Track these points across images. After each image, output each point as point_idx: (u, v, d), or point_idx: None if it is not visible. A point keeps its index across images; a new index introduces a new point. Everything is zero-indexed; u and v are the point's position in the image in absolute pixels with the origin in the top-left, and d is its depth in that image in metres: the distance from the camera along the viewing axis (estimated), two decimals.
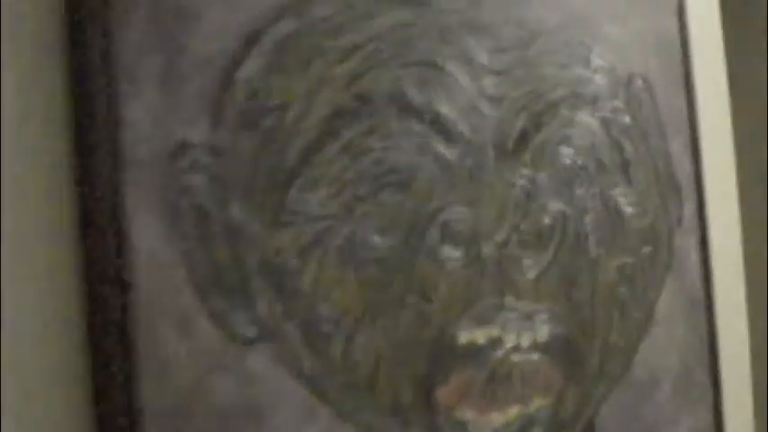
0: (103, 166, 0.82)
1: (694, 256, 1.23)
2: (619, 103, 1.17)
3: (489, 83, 1.04)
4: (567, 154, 1.10)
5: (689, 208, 1.23)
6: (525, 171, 1.06)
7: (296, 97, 0.91)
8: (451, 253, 0.99)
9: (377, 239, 0.95)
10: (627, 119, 1.17)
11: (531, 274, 1.05)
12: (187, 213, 0.85)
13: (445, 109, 1.00)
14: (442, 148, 1.00)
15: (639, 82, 1.19)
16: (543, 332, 1.06)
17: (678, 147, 1.22)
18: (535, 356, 1.05)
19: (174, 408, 0.83)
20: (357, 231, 0.93)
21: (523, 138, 1.06)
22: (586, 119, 1.13)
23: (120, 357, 0.81)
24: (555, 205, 1.08)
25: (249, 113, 0.89)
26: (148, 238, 0.82)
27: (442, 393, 0.98)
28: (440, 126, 1.00)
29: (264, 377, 0.87)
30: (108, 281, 0.81)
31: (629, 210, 1.15)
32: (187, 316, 0.84)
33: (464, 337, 1.00)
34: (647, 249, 1.17)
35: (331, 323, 0.92)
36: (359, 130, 0.94)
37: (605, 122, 1.14)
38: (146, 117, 0.83)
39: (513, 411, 1.03)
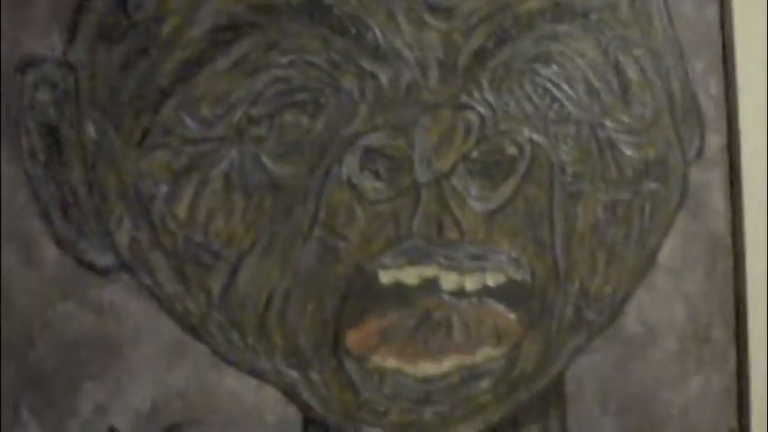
0: None
1: (719, 195, 1.06)
2: (621, 17, 1.01)
3: None
4: (543, 74, 0.97)
5: (714, 138, 1.06)
6: (482, 93, 0.93)
7: (173, 9, 0.83)
8: (373, 183, 0.89)
9: (272, 165, 0.86)
10: (631, 35, 1.01)
11: (484, 209, 0.93)
12: (33, 131, 0.79)
13: (375, 20, 0.89)
14: (367, 64, 0.89)
15: None
16: (497, 276, 0.94)
17: (702, 66, 1.05)
18: (484, 302, 0.93)
19: (15, 337, 0.78)
20: (247, 155, 0.85)
21: (481, 55, 0.93)
22: (574, 33, 0.98)
23: None
24: (523, 133, 0.95)
25: (112, 27, 0.82)
26: None
27: (354, 337, 0.89)
28: (366, 40, 0.89)
29: (124, 310, 0.82)
30: None
31: (624, 139, 1.00)
32: (31, 241, 0.79)
33: (387, 276, 0.90)
34: (649, 185, 1.01)
35: (209, 254, 0.84)
36: (255, 44, 0.85)
37: (599, 38, 0.99)
38: None
39: (452, 362, 0.93)
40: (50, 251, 0.79)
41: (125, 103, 0.82)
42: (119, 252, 0.82)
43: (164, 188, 0.83)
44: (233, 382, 0.85)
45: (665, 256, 1.03)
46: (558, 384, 0.98)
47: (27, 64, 0.79)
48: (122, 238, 0.82)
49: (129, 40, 0.82)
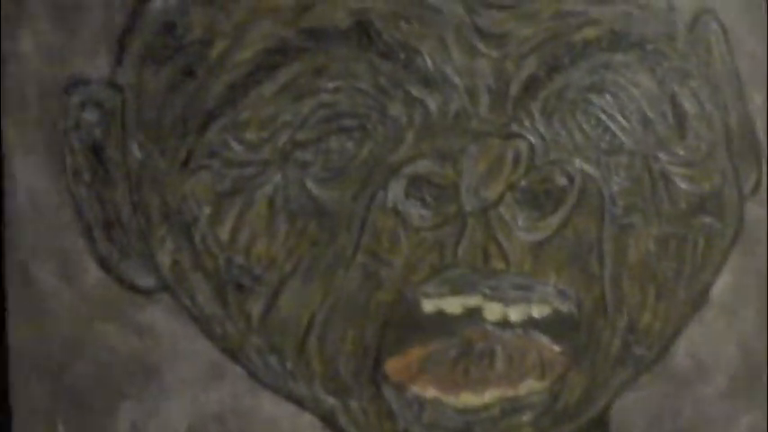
0: None
1: None
2: (679, 47, 0.99)
3: (488, 17, 0.91)
4: (596, 104, 0.95)
5: None
6: (533, 122, 0.92)
7: (222, 32, 0.83)
8: (418, 210, 0.88)
9: (317, 190, 0.85)
10: (689, 66, 0.99)
11: (531, 240, 0.92)
12: (78, 152, 0.80)
13: (425, 46, 0.89)
14: (415, 90, 0.88)
15: (710, 22, 1.00)
16: (542, 307, 0.92)
17: (761, 99, 1.03)
18: (528, 333, 0.92)
19: (53, 355, 0.79)
20: (292, 180, 0.85)
21: (532, 84, 0.92)
22: (629, 63, 0.96)
23: None
24: (574, 163, 0.94)
25: (160, 49, 0.82)
26: (30, 177, 0.78)
27: (394, 365, 0.88)
28: (416, 66, 0.88)
29: (163, 331, 0.82)
30: None
31: (678, 171, 0.98)
32: (72, 260, 0.80)
33: (429, 304, 0.89)
34: (703, 219, 0.99)
35: (250, 278, 0.84)
36: (303, 69, 0.85)
37: (655, 68, 0.98)
38: (36, 51, 0.78)
39: (493, 393, 0.91)
40: (92, 271, 0.80)
41: (170, 124, 0.82)
42: (160, 273, 0.82)
43: (207, 210, 0.83)
44: (270, 406, 0.85)
45: (717, 292, 1.01)
46: (604, 420, 0.97)
47: (74, 84, 0.80)
48: (164, 259, 0.82)
49: (177, 63, 0.82)
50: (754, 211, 1.02)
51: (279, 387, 0.85)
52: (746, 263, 1.02)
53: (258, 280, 0.84)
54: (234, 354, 0.84)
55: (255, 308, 0.84)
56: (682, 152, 0.98)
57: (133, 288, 0.82)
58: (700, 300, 1.00)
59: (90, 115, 0.80)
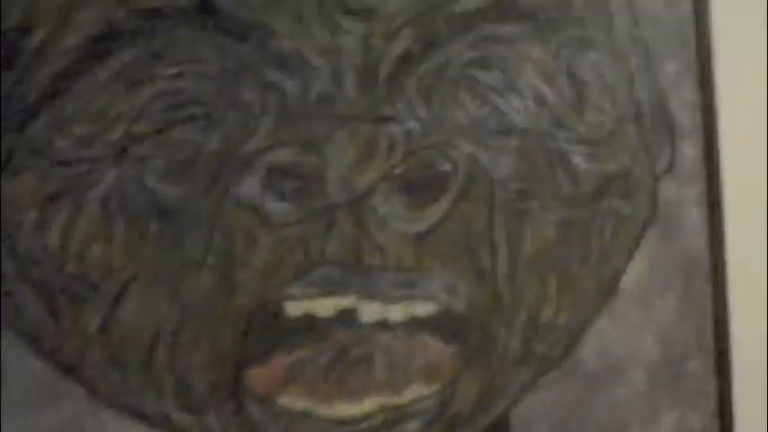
0: None
1: (695, 212, 0.95)
2: (576, 14, 0.91)
3: None
4: (482, 81, 0.87)
5: (689, 149, 0.95)
6: (408, 103, 0.84)
7: (41, 17, 0.76)
8: (278, 204, 0.80)
9: (159, 187, 0.78)
10: (588, 35, 0.91)
11: (410, 232, 0.84)
12: None
13: (279, 24, 0.81)
14: (270, 74, 0.80)
15: None
16: (427, 305, 0.85)
17: (674, 69, 0.94)
18: (412, 335, 0.84)
19: None
20: (128, 177, 0.77)
21: (406, 61, 0.84)
22: (518, 34, 0.88)
23: None
24: (458, 146, 0.86)
25: None
26: None
27: (256, 376, 0.80)
28: (269, 47, 0.80)
29: None
30: None
31: (579, 150, 0.90)
32: None
33: (295, 307, 0.81)
34: (610, 202, 0.91)
35: (86, 286, 0.76)
36: (138, 54, 0.77)
37: (550, 40, 0.89)
38: None
39: (373, 402, 0.83)
40: None
41: None
42: None
43: (31, 215, 0.75)
44: (114, 427, 0.77)
45: (629, 280, 0.92)
46: (503, 425, 0.88)
47: None
48: None
49: None
50: (670, 190, 0.94)
51: (124, 405, 0.77)
52: (663, 247, 0.93)
53: (94, 288, 0.76)
54: (71, 371, 0.76)
55: (93, 319, 0.76)
56: (582, 129, 0.90)
57: None
58: (609, 289, 0.92)
59: None
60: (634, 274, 0.92)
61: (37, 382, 0.75)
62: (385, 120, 0.83)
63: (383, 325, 0.83)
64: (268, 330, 0.80)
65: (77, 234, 0.76)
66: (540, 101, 0.88)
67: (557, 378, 0.90)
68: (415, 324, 0.84)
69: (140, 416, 0.78)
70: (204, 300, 0.79)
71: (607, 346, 0.91)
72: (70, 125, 0.76)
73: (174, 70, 0.78)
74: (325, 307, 0.82)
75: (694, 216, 0.95)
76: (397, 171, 0.83)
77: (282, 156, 0.80)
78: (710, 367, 0.95)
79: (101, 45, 0.77)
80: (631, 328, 0.92)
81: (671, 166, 0.94)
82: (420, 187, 0.84)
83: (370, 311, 0.83)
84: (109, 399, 0.77)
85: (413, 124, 0.84)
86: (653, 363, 0.93)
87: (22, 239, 0.75)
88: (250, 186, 0.79)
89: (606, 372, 0.91)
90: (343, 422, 0.83)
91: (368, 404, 0.83)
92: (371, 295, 0.82)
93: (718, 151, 0.95)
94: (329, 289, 0.81)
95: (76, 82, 0.76)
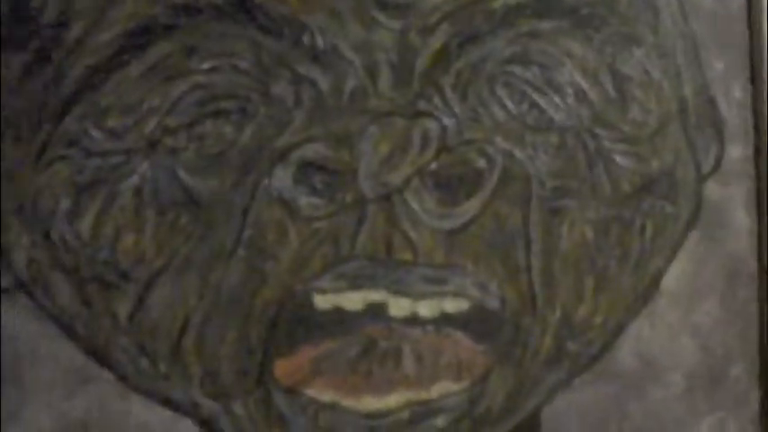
0: None
1: (740, 213, 0.93)
2: (621, 10, 0.89)
3: None
4: (520, 77, 0.86)
5: (735, 149, 0.93)
6: (444, 99, 0.84)
7: (79, 11, 0.78)
8: (308, 198, 0.81)
9: (190, 179, 0.79)
10: (633, 31, 0.89)
11: (443, 228, 0.84)
12: None
13: (314, 19, 0.81)
14: (303, 68, 0.81)
15: None
16: (458, 302, 0.84)
17: (723, 67, 0.92)
18: (443, 330, 0.84)
19: None
20: (161, 169, 0.79)
21: (443, 56, 0.84)
22: (560, 30, 0.87)
23: None
24: (494, 143, 0.85)
25: (13, 32, 0.77)
26: None
27: (283, 367, 0.81)
28: (304, 42, 0.81)
29: (21, 333, 0.77)
30: None
31: (620, 149, 0.88)
32: None
33: (324, 300, 0.82)
34: (651, 201, 0.89)
35: (116, 274, 0.78)
36: (173, 49, 0.79)
37: (593, 36, 0.88)
38: None
39: (401, 396, 0.84)
40: None
41: (26, 113, 0.77)
42: (15, 271, 0.78)
43: (65, 203, 0.77)
44: (141, 412, 0.79)
45: (670, 281, 0.91)
46: (533, 425, 0.88)
47: None
48: (19, 256, 0.77)
49: (32, 47, 0.77)
50: (715, 191, 0.92)
51: (151, 391, 0.79)
52: (706, 248, 0.92)
53: (125, 277, 0.78)
54: (100, 356, 0.78)
55: (123, 307, 0.78)
56: (625, 127, 0.89)
57: None
58: (649, 290, 0.90)
59: None
60: (675, 276, 0.91)
61: (66, 367, 0.78)
62: (419, 115, 0.83)
63: (413, 320, 0.83)
64: (296, 322, 0.81)
65: (109, 223, 0.78)
66: (581, 98, 0.87)
67: (591, 379, 0.89)
68: (444, 320, 0.84)
69: (168, 402, 0.80)
70: (233, 291, 0.80)
71: (645, 348, 0.90)
72: (104, 117, 0.78)
73: (208, 65, 0.79)
74: (354, 301, 0.82)
75: (740, 218, 0.93)
76: (432, 167, 0.83)
77: (314, 150, 0.81)
78: (753, 374, 0.93)
79: (136, 39, 0.78)
80: (671, 330, 0.91)
81: (717, 166, 0.92)
82: (454, 184, 0.84)
83: (399, 306, 0.83)
84: (137, 385, 0.79)
85: (448, 120, 0.83)
86: (692, 367, 0.91)
87: (55, 228, 0.77)
88: (281, 180, 0.80)
89: (643, 374, 0.90)
90: (369, 416, 0.83)
91: (395, 399, 0.83)
92: (401, 290, 0.83)
93: (766, 152, 0.93)
94: (358, 283, 0.82)
95: (111, 75, 0.78)
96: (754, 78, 0.93)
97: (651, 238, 0.90)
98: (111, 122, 0.78)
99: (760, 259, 0.93)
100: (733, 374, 0.92)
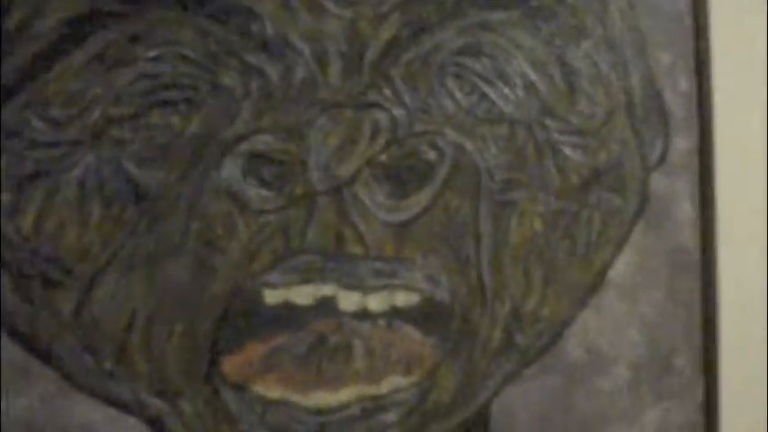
0: None
1: (687, 206, 0.93)
2: (569, 2, 0.89)
3: None
4: (471, 68, 0.85)
5: (681, 141, 0.93)
6: (394, 90, 0.83)
7: (17, 0, 0.75)
8: (257, 191, 0.79)
9: (136, 171, 0.77)
10: (581, 24, 0.89)
11: (393, 221, 0.83)
12: None
13: (264, 7, 0.79)
14: (253, 58, 0.79)
15: None
16: (408, 295, 0.84)
17: (669, 59, 0.92)
18: (393, 324, 0.83)
19: None
20: (105, 160, 0.76)
21: (393, 47, 0.82)
22: (510, 21, 0.87)
23: None
24: (444, 135, 0.84)
25: None
26: None
27: (231, 363, 0.80)
28: (253, 31, 0.79)
29: None
30: None
31: (569, 141, 0.88)
32: None
33: (273, 295, 0.80)
34: (599, 194, 0.89)
35: (59, 270, 0.76)
36: (117, 36, 0.76)
37: (542, 28, 0.88)
38: None
39: (351, 391, 0.83)
40: None
41: None
42: None
43: (5, 197, 0.75)
44: (85, 410, 0.77)
45: (617, 274, 0.91)
46: (483, 417, 0.88)
47: None
48: None
49: None
50: (661, 183, 0.92)
51: (96, 389, 0.77)
52: (652, 240, 0.92)
53: (69, 273, 0.76)
54: (43, 354, 0.76)
55: (66, 303, 0.76)
56: (573, 119, 0.88)
57: None
58: (596, 283, 0.90)
59: None
60: (622, 268, 0.91)
61: (8, 364, 0.75)
62: (369, 106, 0.82)
63: (363, 314, 0.82)
64: (245, 318, 0.79)
65: (52, 217, 0.75)
66: (531, 90, 0.87)
67: (539, 370, 0.89)
68: (395, 314, 0.83)
69: (113, 400, 0.78)
70: (180, 285, 0.78)
71: (592, 339, 0.90)
72: (47, 107, 0.75)
73: (153, 53, 0.77)
74: (304, 295, 0.81)
75: (685, 210, 0.93)
76: (382, 159, 0.82)
77: (264, 142, 0.79)
78: (697, 364, 0.94)
79: (79, 27, 0.76)
80: (617, 321, 0.91)
81: (663, 159, 0.92)
82: (404, 176, 0.83)
83: (349, 300, 0.82)
84: (81, 383, 0.77)
85: (398, 112, 0.82)
86: (638, 357, 0.92)
87: None
88: (230, 172, 0.79)
89: (590, 365, 0.90)
90: (319, 411, 0.82)
91: (345, 394, 0.82)
92: (351, 284, 0.82)
93: (712, 144, 0.93)
94: (308, 277, 0.81)
95: (54, 64, 0.75)
96: (699, 72, 0.93)
97: (598, 230, 0.90)
98: (54, 112, 0.75)
99: (704, 251, 0.94)
100: (678, 365, 0.93)
